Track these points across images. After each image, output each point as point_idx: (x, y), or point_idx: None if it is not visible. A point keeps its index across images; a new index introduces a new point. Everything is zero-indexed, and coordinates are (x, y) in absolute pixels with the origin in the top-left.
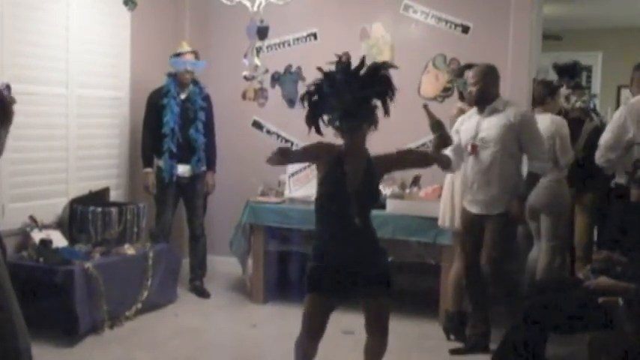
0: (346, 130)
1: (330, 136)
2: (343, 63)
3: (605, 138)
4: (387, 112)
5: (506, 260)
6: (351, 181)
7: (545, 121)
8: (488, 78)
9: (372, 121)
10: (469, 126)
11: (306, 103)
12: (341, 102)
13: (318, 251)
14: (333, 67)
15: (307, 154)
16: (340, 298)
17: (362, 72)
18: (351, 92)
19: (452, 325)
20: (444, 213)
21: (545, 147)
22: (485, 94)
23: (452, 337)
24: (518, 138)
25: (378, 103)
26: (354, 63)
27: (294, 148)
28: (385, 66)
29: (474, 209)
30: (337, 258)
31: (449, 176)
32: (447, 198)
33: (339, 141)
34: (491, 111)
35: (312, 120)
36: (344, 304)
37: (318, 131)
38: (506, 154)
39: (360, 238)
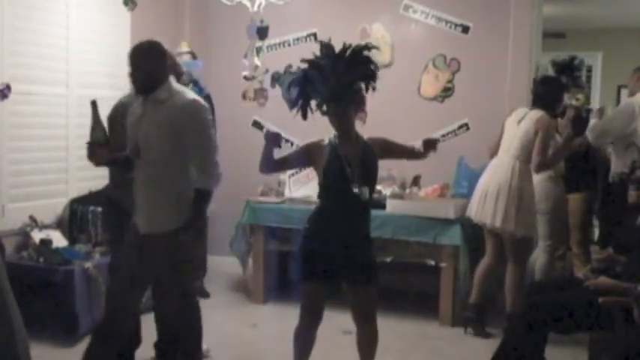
0: (333, 113)
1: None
2: (327, 49)
3: (610, 123)
4: (371, 89)
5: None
6: (349, 164)
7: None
8: (151, 58)
9: (358, 104)
10: (133, 121)
11: (295, 90)
12: (326, 87)
13: (316, 237)
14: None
15: (300, 159)
16: (331, 282)
17: (346, 55)
18: (336, 76)
19: (471, 316)
20: (505, 214)
21: (212, 154)
22: (146, 80)
23: (469, 330)
24: (183, 138)
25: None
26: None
27: (293, 148)
28: (367, 47)
29: (139, 226)
30: (328, 240)
31: (509, 175)
32: (512, 201)
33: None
34: (153, 102)
35: (301, 105)
36: (339, 301)
37: (305, 117)
38: (169, 160)
39: (356, 223)
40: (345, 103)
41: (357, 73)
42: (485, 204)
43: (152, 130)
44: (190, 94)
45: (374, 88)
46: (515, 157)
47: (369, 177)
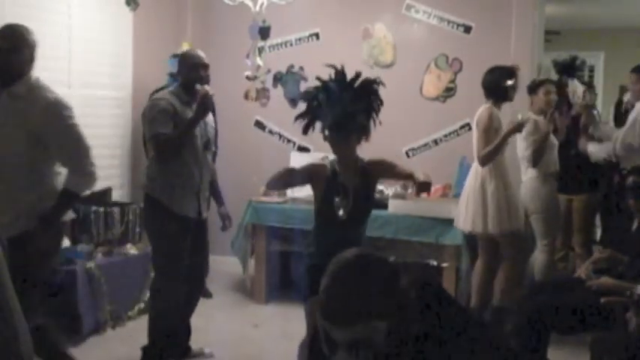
0: (332, 141)
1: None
2: (339, 74)
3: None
4: (374, 124)
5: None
6: (348, 190)
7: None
8: (11, 43)
9: (362, 133)
10: None
11: (305, 104)
12: (332, 113)
13: (317, 256)
14: (332, 70)
15: (304, 178)
16: None
17: (355, 86)
18: (342, 105)
19: None
20: (474, 217)
21: (84, 154)
22: (2, 67)
23: None
24: (43, 139)
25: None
26: (355, 69)
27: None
28: (376, 81)
29: None
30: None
31: (474, 179)
32: (477, 202)
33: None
34: (10, 97)
35: (306, 122)
36: None
37: (305, 132)
38: (21, 161)
39: (357, 243)
40: (346, 132)
41: (361, 106)
42: (459, 210)
43: (5, 128)
44: (52, 93)
45: (375, 122)
46: (475, 159)
47: (364, 208)
